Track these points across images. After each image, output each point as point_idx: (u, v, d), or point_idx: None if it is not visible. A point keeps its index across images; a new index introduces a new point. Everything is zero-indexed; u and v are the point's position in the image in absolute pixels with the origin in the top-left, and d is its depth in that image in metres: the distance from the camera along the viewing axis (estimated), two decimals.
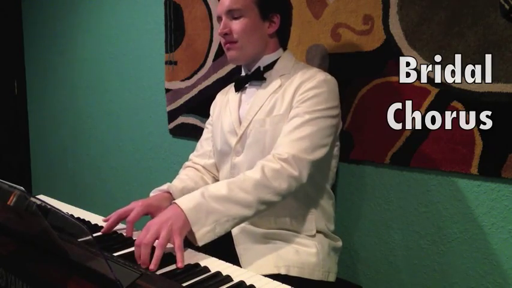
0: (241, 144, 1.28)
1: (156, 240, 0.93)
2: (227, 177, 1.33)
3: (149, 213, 1.21)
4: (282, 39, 1.32)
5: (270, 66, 1.29)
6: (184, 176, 1.40)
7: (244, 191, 1.05)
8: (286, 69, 1.28)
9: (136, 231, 1.15)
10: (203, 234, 0.99)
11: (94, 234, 1.06)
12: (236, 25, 1.24)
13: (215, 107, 1.45)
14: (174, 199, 1.26)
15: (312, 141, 1.14)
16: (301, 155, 1.12)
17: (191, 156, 1.50)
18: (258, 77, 1.29)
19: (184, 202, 1.01)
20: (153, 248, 0.93)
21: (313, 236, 1.26)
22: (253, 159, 1.24)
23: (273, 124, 1.22)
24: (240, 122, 1.30)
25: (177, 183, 1.34)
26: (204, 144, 1.47)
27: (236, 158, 1.29)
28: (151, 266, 0.89)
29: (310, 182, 1.15)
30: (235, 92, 1.35)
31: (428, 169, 1.35)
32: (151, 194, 1.30)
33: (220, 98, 1.46)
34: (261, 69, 1.29)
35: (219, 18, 1.28)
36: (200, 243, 0.99)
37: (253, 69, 1.30)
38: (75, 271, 0.79)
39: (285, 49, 1.34)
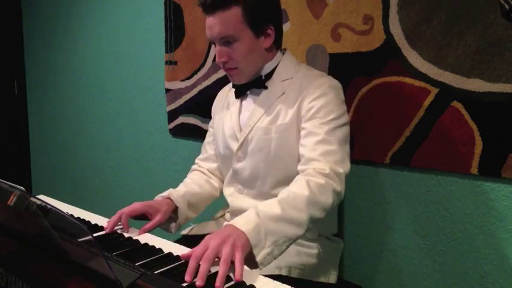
0: (242, 150, 1.27)
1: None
2: (229, 182, 1.33)
3: (148, 213, 1.22)
4: (278, 43, 1.27)
5: (271, 73, 1.25)
6: (189, 180, 1.41)
7: (298, 209, 1.00)
8: (288, 73, 1.24)
9: (134, 228, 1.16)
10: (263, 257, 0.94)
11: (94, 234, 1.07)
12: (233, 52, 1.18)
13: (216, 109, 1.44)
14: (174, 205, 1.27)
15: (340, 153, 1.13)
16: (337, 169, 1.10)
17: (197, 160, 1.51)
18: (259, 85, 1.26)
19: (243, 223, 0.94)
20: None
21: (315, 238, 1.26)
22: (256, 165, 1.24)
23: (278, 132, 1.20)
24: (241, 128, 1.28)
25: (180, 188, 1.35)
26: (207, 148, 1.47)
27: (238, 164, 1.28)
28: (218, 284, 0.80)
29: None
30: (236, 98, 1.32)
31: (428, 169, 1.35)
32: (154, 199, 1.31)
33: (220, 98, 1.45)
34: (263, 77, 1.25)
35: (212, 42, 1.22)
36: (261, 267, 0.94)
37: (254, 78, 1.26)
38: (75, 271, 0.79)
39: (281, 49, 1.29)
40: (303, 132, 1.17)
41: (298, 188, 1.04)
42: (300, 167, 1.14)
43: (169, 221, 1.29)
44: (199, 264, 0.84)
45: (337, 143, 1.13)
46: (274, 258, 0.96)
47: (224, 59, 1.20)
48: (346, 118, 1.19)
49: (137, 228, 1.16)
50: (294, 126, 1.19)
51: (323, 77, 1.22)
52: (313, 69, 1.29)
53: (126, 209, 1.18)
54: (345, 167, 1.13)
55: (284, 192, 1.05)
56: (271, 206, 0.99)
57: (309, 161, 1.12)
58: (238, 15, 1.15)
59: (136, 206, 1.20)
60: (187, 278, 0.83)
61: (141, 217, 1.23)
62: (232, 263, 0.86)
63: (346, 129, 1.18)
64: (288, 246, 1.00)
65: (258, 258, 0.93)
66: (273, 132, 1.21)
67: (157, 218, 1.21)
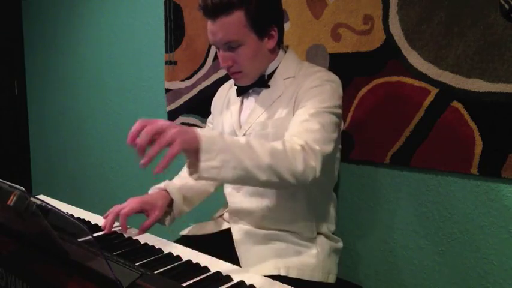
0: None
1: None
2: None
3: (144, 211, 1.23)
4: (280, 43, 1.26)
5: (273, 72, 1.25)
6: (185, 174, 1.40)
7: (263, 151, 0.97)
8: (290, 72, 1.23)
9: (130, 227, 1.16)
10: (208, 168, 0.91)
11: (94, 234, 1.07)
12: (237, 56, 1.17)
13: (216, 105, 1.43)
14: (170, 197, 1.27)
15: (322, 134, 1.08)
16: (313, 145, 1.05)
17: None
18: (262, 84, 1.25)
19: (204, 132, 0.92)
20: None
21: (314, 238, 1.26)
22: None
23: (275, 127, 1.19)
24: (241, 126, 1.27)
25: (176, 181, 1.35)
26: None
27: None
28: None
29: (315, 185, 1.12)
30: (237, 96, 1.31)
31: (428, 169, 1.35)
32: (149, 192, 1.31)
33: (220, 95, 1.44)
34: (266, 77, 1.24)
35: (216, 46, 1.21)
36: (202, 174, 0.92)
37: (257, 77, 1.25)
38: (75, 271, 0.79)
39: (283, 47, 1.28)
40: (294, 115, 1.16)
41: (274, 142, 1.02)
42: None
43: (165, 215, 1.29)
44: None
45: (319, 124, 1.09)
46: (220, 178, 0.93)
47: (229, 63, 1.18)
48: (338, 110, 1.17)
49: (136, 227, 1.16)
50: (289, 118, 1.18)
51: (322, 71, 1.21)
52: (315, 66, 1.28)
53: (124, 210, 1.17)
54: (324, 147, 1.07)
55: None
56: (239, 138, 0.98)
57: (290, 135, 1.09)
58: (241, 19, 1.13)
59: (132, 204, 1.20)
60: (129, 140, 0.91)
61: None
62: None
63: (335, 118, 1.14)
64: (238, 177, 0.95)
65: (201, 165, 0.90)
66: (269, 127, 1.20)
67: (155, 214, 1.21)
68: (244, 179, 0.97)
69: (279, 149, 0.99)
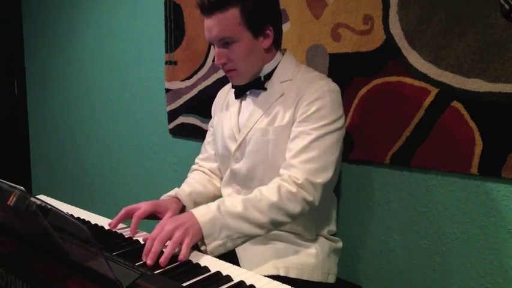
0: (240, 151, 1.27)
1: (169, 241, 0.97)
2: (228, 183, 1.34)
3: (157, 213, 1.22)
4: (277, 43, 1.27)
5: (270, 74, 1.25)
6: (192, 180, 1.41)
7: (259, 211, 1.07)
8: (288, 75, 1.24)
9: (140, 232, 1.15)
10: (214, 248, 1.03)
11: (95, 234, 1.07)
12: (231, 53, 1.18)
13: (216, 108, 1.44)
14: (182, 204, 1.27)
15: (321, 163, 1.14)
16: (313, 179, 1.12)
17: (197, 159, 1.50)
18: (258, 86, 1.26)
19: (201, 214, 1.03)
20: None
21: (314, 238, 1.26)
22: (253, 167, 1.24)
23: (276, 134, 1.20)
24: (240, 129, 1.28)
25: (185, 188, 1.35)
26: (208, 148, 1.47)
27: (235, 165, 1.28)
28: (162, 260, 0.91)
29: None
30: (235, 98, 1.32)
31: (428, 169, 1.35)
32: (160, 199, 1.31)
33: (220, 97, 1.45)
34: (262, 79, 1.25)
35: (212, 44, 1.22)
36: (211, 256, 1.01)
37: (253, 78, 1.26)
38: (76, 271, 0.79)
39: (280, 50, 1.29)
40: (292, 135, 1.18)
41: (269, 191, 1.10)
42: (281, 170, 1.16)
43: None
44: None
45: (320, 151, 1.14)
46: (227, 250, 1.05)
47: (223, 60, 1.20)
48: (339, 123, 1.19)
49: (143, 229, 1.16)
50: (291, 128, 1.19)
51: (322, 80, 1.21)
52: (313, 70, 1.28)
53: (138, 212, 1.16)
54: (324, 177, 1.14)
55: (255, 192, 1.11)
56: (235, 203, 1.07)
57: (288, 166, 1.15)
58: (236, 16, 1.14)
59: (145, 206, 1.18)
60: (143, 257, 0.94)
61: (150, 216, 1.22)
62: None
63: (337, 135, 1.18)
64: (243, 242, 1.08)
65: (208, 248, 1.02)
66: (270, 134, 1.21)
67: (168, 215, 1.20)
68: (249, 239, 1.09)
69: (274, 202, 1.08)
